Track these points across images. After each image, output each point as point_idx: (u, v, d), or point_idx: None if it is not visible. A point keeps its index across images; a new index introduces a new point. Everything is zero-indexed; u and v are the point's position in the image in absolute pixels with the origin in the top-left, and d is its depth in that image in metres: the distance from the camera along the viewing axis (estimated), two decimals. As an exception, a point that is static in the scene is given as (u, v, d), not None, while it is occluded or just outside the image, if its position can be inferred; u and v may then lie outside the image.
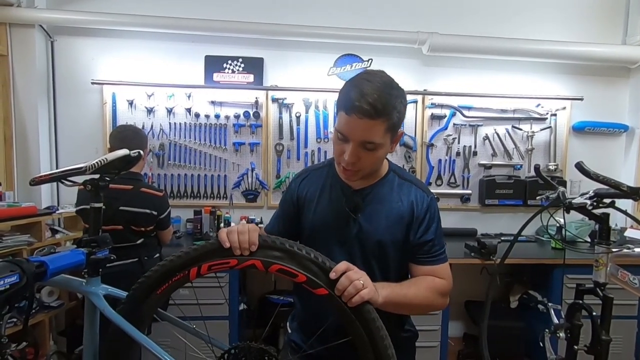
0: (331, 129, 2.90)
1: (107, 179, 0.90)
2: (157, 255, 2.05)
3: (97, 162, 0.84)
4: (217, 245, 0.77)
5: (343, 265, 0.77)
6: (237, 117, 2.84)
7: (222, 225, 2.77)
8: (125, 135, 1.90)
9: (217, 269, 0.78)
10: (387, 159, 1.06)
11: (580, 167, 1.27)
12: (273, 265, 0.76)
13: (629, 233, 2.65)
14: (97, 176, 0.88)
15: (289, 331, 1.13)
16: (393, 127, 0.89)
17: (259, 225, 2.73)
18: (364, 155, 0.89)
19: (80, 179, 0.90)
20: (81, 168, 0.84)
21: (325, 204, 1.03)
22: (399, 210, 0.99)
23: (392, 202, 1.00)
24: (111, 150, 1.76)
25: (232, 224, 2.75)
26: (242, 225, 0.79)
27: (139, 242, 1.92)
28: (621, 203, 1.32)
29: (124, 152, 0.87)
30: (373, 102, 0.83)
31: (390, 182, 1.03)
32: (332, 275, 0.76)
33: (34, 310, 2.13)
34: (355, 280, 0.75)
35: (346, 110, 0.86)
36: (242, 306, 2.51)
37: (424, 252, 1.00)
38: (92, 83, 2.69)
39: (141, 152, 0.93)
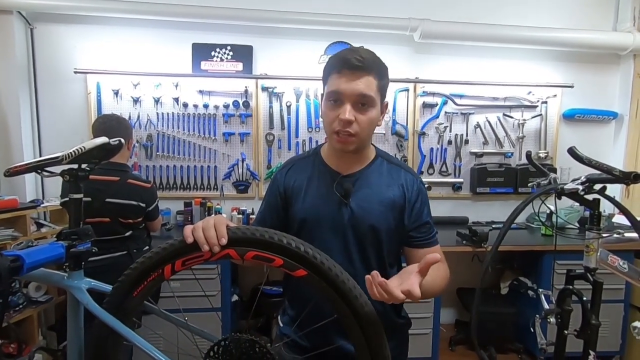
0: (322, 117, 2.86)
1: (87, 168, 0.86)
2: (147, 247, 2.01)
3: (74, 151, 0.80)
4: (185, 243, 0.74)
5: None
6: (226, 106, 2.79)
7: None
8: (109, 126, 1.84)
9: (191, 264, 0.75)
10: (373, 145, 1.05)
11: (572, 152, 1.26)
12: (248, 253, 0.74)
13: (617, 219, 2.69)
14: (75, 166, 0.84)
15: (281, 325, 1.11)
16: (382, 89, 0.92)
17: (250, 216, 2.72)
18: (358, 115, 0.90)
19: (58, 169, 0.87)
20: (57, 157, 0.80)
21: (315, 191, 1.01)
22: (390, 194, 0.99)
23: (381, 186, 0.99)
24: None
25: (223, 215, 2.72)
26: (207, 220, 0.75)
27: (127, 234, 1.88)
28: (610, 189, 1.33)
29: (102, 140, 0.83)
30: (364, 56, 0.87)
31: (378, 166, 1.02)
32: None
33: (20, 306, 2.09)
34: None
35: (338, 68, 0.89)
36: (234, 297, 2.50)
37: (420, 235, 1.01)
38: (75, 72, 2.61)
39: (122, 140, 0.89)
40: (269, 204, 1.07)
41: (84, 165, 0.86)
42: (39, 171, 0.84)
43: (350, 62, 0.86)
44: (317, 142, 2.88)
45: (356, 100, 0.88)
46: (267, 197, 1.09)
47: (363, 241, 0.98)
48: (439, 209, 2.95)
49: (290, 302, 1.10)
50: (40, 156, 2.65)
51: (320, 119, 2.85)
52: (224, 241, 0.72)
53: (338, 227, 0.98)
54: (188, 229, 0.74)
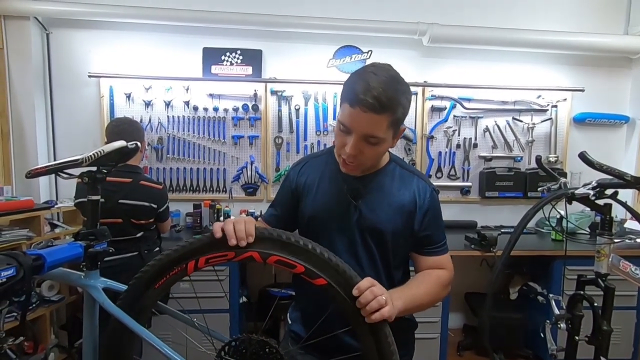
0: (331, 121, 2.88)
1: (105, 171, 0.88)
2: (157, 248, 2.04)
3: (93, 154, 0.83)
4: (214, 237, 0.76)
5: (367, 282, 0.76)
6: (235, 110, 2.82)
7: (221, 219, 2.76)
8: (122, 129, 1.88)
9: (215, 262, 0.77)
10: (388, 150, 1.06)
11: (583, 156, 1.25)
12: (271, 257, 0.75)
13: (629, 224, 2.65)
14: (94, 168, 0.87)
15: (289, 322, 1.13)
16: (396, 123, 0.89)
17: (259, 219, 2.74)
18: (365, 148, 0.89)
19: (77, 171, 0.89)
20: (78, 160, 0.83)
21: (326, 190, 1.02)
22: (400, 198, 0.99)
23: (392, 190, 1.00)
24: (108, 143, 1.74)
25: (232, 217, 2.74)
26: (239, 217, 0.79)
27: (138, 235, 1.91)
28: (621, 195, 1.31)
29: (120, 143, 0.86)
30: (378, 96, 0.82)
31: (391, 171, 1.03)
32: (355, 292, 0.74)
33: (33, 305, 2.13)
34: (378, 296, 0.74)
35: (350, 102, 0.85)
36: (242, 299, 2.52)
37: (429, 243, 1.01)
38: (89, 76, 2.66)
39: (138, 143, 0.92)
40: (281, 199, 1.11)
41: (101, 168, 0.88)
42: (59, 173, 0.87)
43: (363, 101, 0.82)
44: (325, 145, 2.89)
45: (364, 136, 0.87)
46: (279, 192, 1.13)
47: (369, 242, 0.99)
48: (447, 213, 2.90)
49: (299, 300, 1.12)
50: (55, 158, 2.73)
51: (329, 123, 2.88)
52: (251, 239, 0.75)
53: (345, 228, 0.99)
54: (218, 224, 0.78)
